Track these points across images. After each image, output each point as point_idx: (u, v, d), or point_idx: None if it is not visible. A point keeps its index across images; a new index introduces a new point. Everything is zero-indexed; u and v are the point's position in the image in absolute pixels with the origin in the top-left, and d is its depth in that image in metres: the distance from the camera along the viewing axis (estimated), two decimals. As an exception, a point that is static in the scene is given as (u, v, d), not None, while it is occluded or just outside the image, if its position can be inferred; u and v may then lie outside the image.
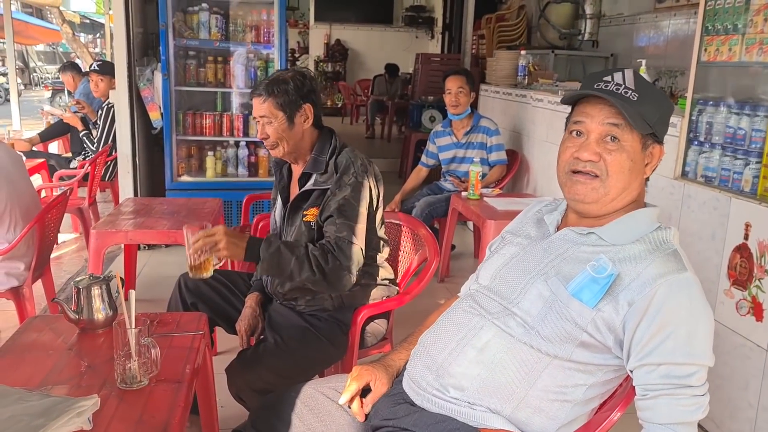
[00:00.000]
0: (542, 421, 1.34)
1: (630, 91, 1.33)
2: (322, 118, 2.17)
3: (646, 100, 1.34)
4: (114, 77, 4.88)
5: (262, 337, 2.11)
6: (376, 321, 2.22)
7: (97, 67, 5.08)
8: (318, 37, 13.29)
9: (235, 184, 4.52)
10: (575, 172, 1.37)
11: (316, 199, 2.05)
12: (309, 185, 2.07)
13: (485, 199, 3.61)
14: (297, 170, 2.18)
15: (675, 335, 1.23)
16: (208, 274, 1.80)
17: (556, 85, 4.40)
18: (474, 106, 5.21)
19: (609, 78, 1.35)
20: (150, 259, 4.22)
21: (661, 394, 1.23)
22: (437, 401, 1.38)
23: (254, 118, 2.09)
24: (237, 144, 4.64)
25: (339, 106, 13.08)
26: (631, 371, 1.28)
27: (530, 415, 1.33)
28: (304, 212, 2.07)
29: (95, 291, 1.73)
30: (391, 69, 10.75)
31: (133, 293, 1.54)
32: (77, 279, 1.76)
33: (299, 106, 2.04)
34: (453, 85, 4.09)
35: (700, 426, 2.68)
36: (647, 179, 1.42)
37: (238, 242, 1.89)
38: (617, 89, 1.33)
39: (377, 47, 12.85)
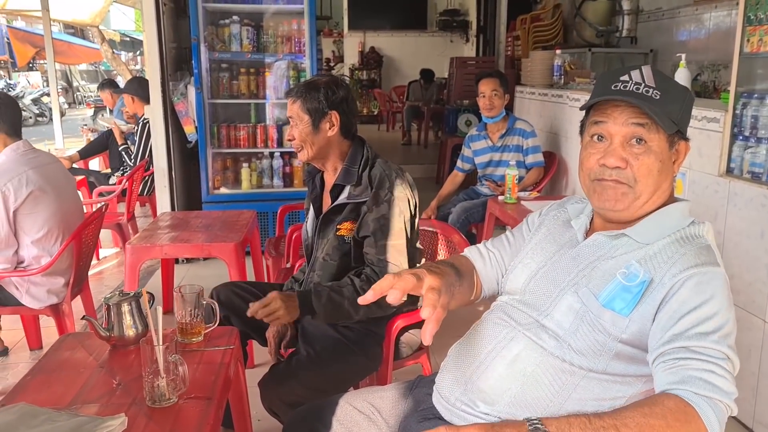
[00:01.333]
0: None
1: (652, 90, 1.24)
2: (358, 126, 2.17)
3: (670, 97, 1.26)
4: (130, 93, 4.98)
5: (293, 350, 2.08)
6: (410, 331, 2.17)
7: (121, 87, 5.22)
8: (352, 45, 13.33)
9: (271, 195, 4.53)
10: (601, 180, 1.29)
11: (350, 213, 2.02)
12: (342, 198, 2.04)
13: (522, 202, 3.52)
14: (329, 181, 2.16)
15: (695, 313, 1.15)
16: (198, 338, 1.77)
17: (593, 84, 4.29)
18: (510, 108, 5.13)
19: (626, 77, 1.26)
20: (188, 273, 4.25)
21: (674, 359, 1.13)
22: (466, 416, 1.33)
23: (287, 117, 2.12)
24: (271, 155, 4.66)
25: (375, 113, 13.08)
26: (653, 361, 1.17)
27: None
28: (338, 225, 2.04)
29: (125, 307, 1.72)
30: (426, 74, 10.71)
31: (159, 309, 1.53)
32: (107, 296, 1.76)
33: (326, 113, 2.04)
34: (486, 87, 4.03)
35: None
36: (674, 176, 1.34)
37: (292, 303, 1.94)
38: (637, 89, 1.24)
39: (412, 53, 12.82)
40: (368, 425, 1.51)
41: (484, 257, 1.59)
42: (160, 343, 1.46)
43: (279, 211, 3.64)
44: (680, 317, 1.16)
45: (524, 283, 1.41)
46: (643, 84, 1.25)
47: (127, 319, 1.72)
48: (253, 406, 2.02)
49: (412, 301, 2.04)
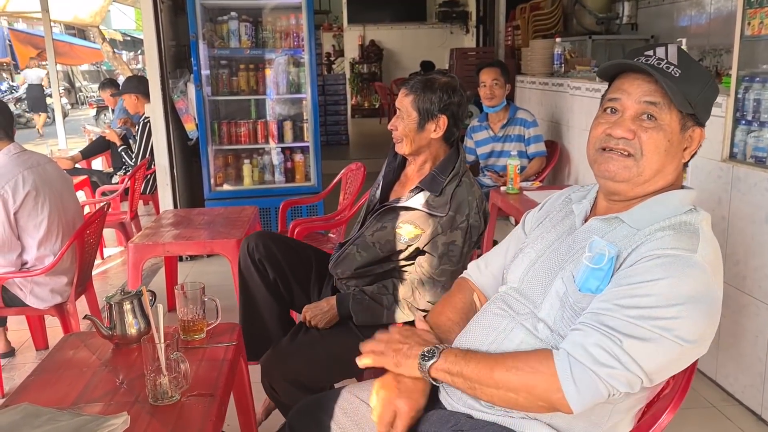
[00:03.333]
0: (584, 426, 1.26)
1: (672, 67, 1.24)
2: (367, 119, 2.17)
3: (689, 78, 1.24)
4: (132, 92, 4.98)
5: (298, 325, 2.11)
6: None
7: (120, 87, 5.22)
8: (352, 39, 13.29)
9: (273, 191, 4.52)
10: (606, 149, 1.29)
11: (418, 219, 2.00)
12: (418, 204, 2.00)
13: (525, 192, 3.51)
14: (410, 173, 2.14)
15: (633, 287, 1.16)
16: (200, 335, 1.78)
17: (594, 71, 4.27)
18: (511, 97, 5.10)
19: (651, 52, 1.26)
20: (192, 270, 4.25)
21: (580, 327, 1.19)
22: (477, 412, 1.32)
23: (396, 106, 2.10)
24: (273, 151, 4.65)
25: (376, 106, 13.05)
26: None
27: (570, 420, 1.25)
28: (401, 224, 2.02)
29: (127, 306, 1.72)
30: (427, 66, 10.66)
31: (160, 307, 1.52)
32: (109, 295, 1.75)
33: (435, 116, 2.01)
34: (487, 77, 4.01)
35: (716, 383, 2.60)
36: (686, 165, 1.32)
37: (326, 311, 2.05)
38: (658, 64, 1.24)
39: (412, 45, 12.77)
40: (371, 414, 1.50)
41: (483, 274, 1.61)
42: (162, 341, 1.46)
43: (281, 207, 3.63)
44: (616, 285, 1.18)
45: (523, 272, 1.41)
46: (665, 60, 1.25)
47: (129, 318, 1.72)
48: (256, 401, 2.02)
49: None
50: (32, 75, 14.19)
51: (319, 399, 1.59)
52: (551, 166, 4.20)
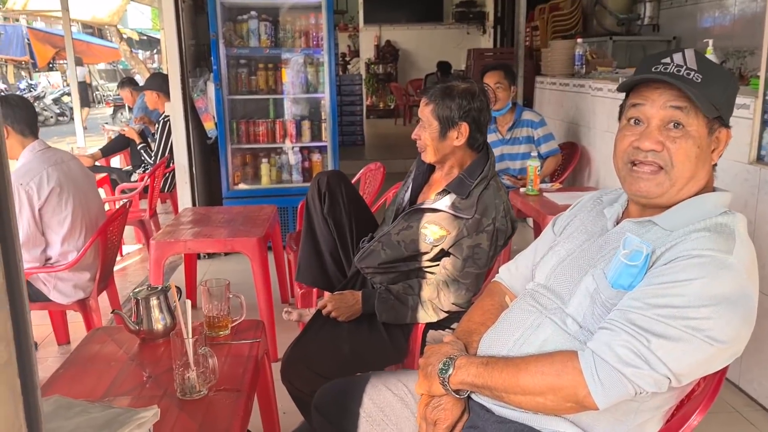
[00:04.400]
0: (609, 424, 1.25)
1: (693, 72, 1.21)
2: (382, 120, 2.17)
3: (712, 81, 1.22)
4: (154, 89, 5.02)
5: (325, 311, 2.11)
6: (436, 330, 2.16)
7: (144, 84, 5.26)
8: (368, 39, 13.30)
9: (290, 190, 4.53)
10: (635, 163, 1.27)
11: (444, 221, 1.99)
12: (445, 206, 1.99)
13: (545, 194, 3.49)
14: (438, 177, 2.14)
15: (665, 286, 1.15)
16: (225, 332, 1.79)
17: (616, 73, 4.24)
18: (530, 99, 5.08)
19: (668, 60, 1.23)
20: (210, 268, 4.27)
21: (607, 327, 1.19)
22: (497, 407, 1.33)
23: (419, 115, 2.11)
24: (291, 150, 4.66)
25: (391, 107, 13.05)
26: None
27: (596, 417, 1.24)
28: (427, 224, 2.02)
29: (153, 301, 1.73)
30: (444, 67, 10.66)
31: (188, 303, 1.53)
32: (136, 290, 1.76)
33: (456, 123, 2.00)
34: (490, 80, 4.00)
35: (740, 389, 2.57)
36: (714, 165, 1.31)
37: (345, 304, 2.06)
38: (678, 71, 1.21)
39: (428, 46, 12.76)
40: (401, 407, 1.52)
41: (513, 275, 1.62)
42: (190, 335, 1.46)
43: (300, 206, 3.63)
44: (648, 284, 1.17)
45: (551, 269, 1.41)
46: (684, 66, 1.22)
47: (156, 313, 1.73)
48: (278, 399, 2.03)
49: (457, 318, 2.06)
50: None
51: (347, 384, 1.61)
52: (571, 167, 4.17)
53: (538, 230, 4.20)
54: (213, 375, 1.47)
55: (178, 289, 1.74)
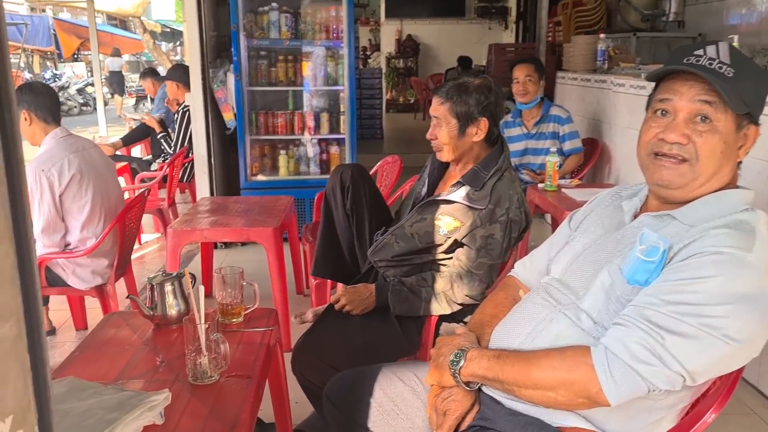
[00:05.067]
0: (621, 421, 1.24)
1: (725, 66, 1.18)
2: (401, 114, 2.16)
3: (744, 77, 1.19)
4: (175, 80, 5.05)
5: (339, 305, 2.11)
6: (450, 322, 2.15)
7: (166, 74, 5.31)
8: (389, 33, 13.28)
9: (308, 182, 4.54)
10: (659, 154, 1.25)
11: (458, 212, 1.99)
12: (459, 197, 1.99)
13: (564, 190, 3.46)
14: (453, 171, 2.13)
15: (682, 282, 1.13)
16: (238, 319, 1.80)
17: (639, 69, 4.18)
18: (551, 94, 5.03)
19: (701, 52, 1.21)
20: (227, 258, 4.30)
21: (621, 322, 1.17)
22: (508, 400, 1.32)
23: (431, 114, 2.08)
24: (309, 142, 4.67)
25: (411, 102, 13.02)
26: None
27: (608, 413, 1.23)
28: (440, 215, 2.02)
29: (168, 287, 1.74)
30: (464, 62, 10.61)
31: (201, 289, 1.54)
32: (151, 276, 1.78)
33: (475, 119, 1.99)
34: (520, 73, 3.97)
35: (759, 391, 2.53)
36: (740, 162, 1.28)
37: (359, 297, 2.06)
38: (710, 64, 1.19)
39: (449, 41, 12.71)
40: (412, 397, 1.51)
41: (528, 270, 1.61)
42: (203, 321, 1.47)
43: (316, 198, 3.64)
44: (664, 281, 1.15)
45: (566, 264, 1.40)
46: (717, 60, 1.19)
47: (170, 299, 1.74)
48: (290, 389, 2.03)
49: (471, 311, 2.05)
50: (113, 63, 14.93)
51: (358, 374, 1.61)
52: (591, 164, 4.13)
53: (555, 226, 4.17)
54: (224, 361, 1.47)
55: (192, 276, 1.75)
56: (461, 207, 1.98)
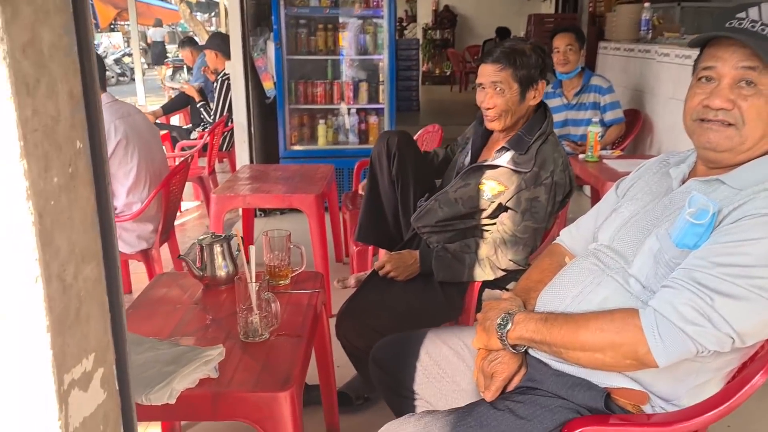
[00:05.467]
0: (669, 383, 1.25)
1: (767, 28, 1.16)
2: (437, 86, 2.15)
3: None
4: (213, 49, 5.08)
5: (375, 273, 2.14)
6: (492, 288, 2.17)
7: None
8: (426, 4, 13.13)
9: (346, 152, 4.56)
10: (704, 120, 1.24)
11: (502, 176, 1.99)
12: (504, 161, 1.99)
13: (605, 161, 3.42)
14: (497, 138, 2.12)
15: (732, 245, 1.12)
16: (285, 281, 1.83)
17: (684, 38, 4.08)
18: (592, 65, 4.94)
19: (743, 15, 1.19)
20: (266, 226, 4.35)
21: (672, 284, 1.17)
22: (555, 362, 1.33)
23: (479, 84, 2.03)
24: (347, 112, 4.67)
25: (447, 74, 12.90)
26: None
27: (655, 375, 1.23)
28: (484, 180, 2.02)
29: (217, 248, 1.78)
30: (503, 33, 10.46)
31: (252, 249, 1.57)
32: (200, 237, 1.82)
33: (535, 82, 1.98)
34: (561, 42, 3.90)
35: None
36: None
37: (404, 264, 2.08)
38: (752, 27, 1.17)
39: (487, 12, 12.54)
40: (457, 361, 1.53)
41: (575, 237, 1.60)
42: (254, 280, 1.50)
43: (356, 167, 3.66)
44: (714, 243, 1.15)
45: (615, 230, 1.40)
46: (759, 21, 1.17)
47: (219, 260, 1.79)
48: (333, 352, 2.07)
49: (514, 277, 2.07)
50: (156, 33, 15.13)
51: (404, 338, 1.64)
52: (633, 134, 4.06)
53: (595, 198, 4.13)
54: (275, 320, 1.51)
55: (241, 238, 1.78)
56: (506, 171, 1.97)
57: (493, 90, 1.97)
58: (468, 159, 2.17)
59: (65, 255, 0.60)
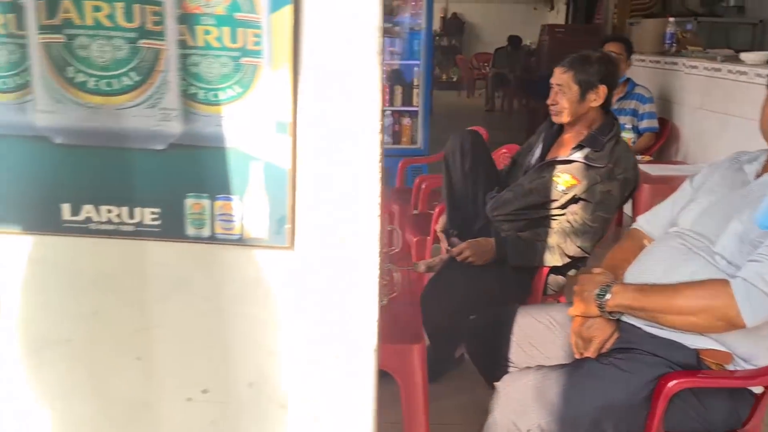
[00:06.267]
0: (749, 345, 1.44)
1: None
2: (444, 92, 2.36)
3: None
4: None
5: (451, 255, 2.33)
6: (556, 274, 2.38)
7: None
8: (434, 10, 13.32)
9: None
10: None
11: (576, 170, 2.20)
12: (579, 157, 2.21)
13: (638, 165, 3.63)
14: (568, 138, 2.34)
15: None
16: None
17: (707, 52, 4.32)
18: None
19: None
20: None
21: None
22: (645, 326, 1.53)
23: (550, 84, 2.31)
24: (382, 113, 4.85)
25: (454, 80, 13.13)
26: None
27: (738, 337, 1.43)
28: (559, 173, 2.23)
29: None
30: (514, 41, 10.71)
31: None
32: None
33: (595, 86, 2.22)
34: (611, 50, 4.10)
35: None
36: None
37: (481, 250, 2.25)
38: None
39: (494, 20, 12.81)
40: (546, 332, 1.73)
41: (652, 224, 1.79)
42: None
43: (400, 165, 3.86)
44: None
45: (697, 215, 1.59)
46: None
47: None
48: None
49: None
50: None
51: (497, 315, 1.84)
52: (660, 142, 4.28)
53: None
54: (396, 287, 1.71)
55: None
56: (580, 166, 2.20)
57: (559, 89, 2.26)
58: (537, 155, 2.39)
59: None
